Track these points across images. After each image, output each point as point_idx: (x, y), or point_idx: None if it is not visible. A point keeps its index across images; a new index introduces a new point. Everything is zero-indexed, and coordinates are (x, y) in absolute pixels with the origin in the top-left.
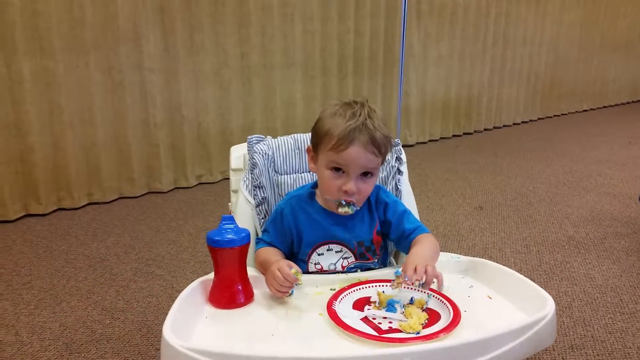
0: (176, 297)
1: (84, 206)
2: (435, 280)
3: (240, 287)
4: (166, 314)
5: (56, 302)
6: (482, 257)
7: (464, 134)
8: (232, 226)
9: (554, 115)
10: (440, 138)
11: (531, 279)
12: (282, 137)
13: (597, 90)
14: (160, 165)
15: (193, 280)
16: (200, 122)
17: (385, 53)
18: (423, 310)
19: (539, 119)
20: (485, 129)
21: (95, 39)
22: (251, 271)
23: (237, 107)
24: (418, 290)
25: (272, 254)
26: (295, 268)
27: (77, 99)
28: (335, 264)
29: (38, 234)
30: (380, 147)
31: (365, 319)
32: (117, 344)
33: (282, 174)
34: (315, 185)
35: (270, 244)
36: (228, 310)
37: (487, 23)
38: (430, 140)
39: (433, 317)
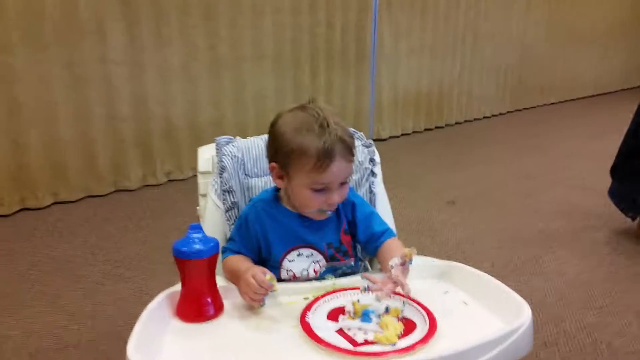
0: (147, 302)
1: (49, 206)
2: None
3: (209, 299)
4: (136, 319)
5: (20, 308)
6: (455, 252)
7: (436, 127)
8: (199, 235)
9: (523, 109)
10: (413, 132)
11: (504, 276)
12: (252, 138)
13: (565, 84)
14: (127, 161)
15: (164, 283)
16: (168, 116)
17: (357, 46)
18: (399, 319)
19: (508, 112)
20: (456, 123)
21: (56, 32)
22: (220, 281)
23: (207, 101)
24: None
25: (242, 262)
26: (269, 274)
27: (38, 94)
28: (307, 269)
29: (0, 237)
30: (353, 150)
31: (340, 331)
32: (85, 352)
33: (252, 177)
34: (277, 188)
35: (237, 253)
36: (197, 324)
37: (457, 15)
38: (402, 134)
39: (409, 326)
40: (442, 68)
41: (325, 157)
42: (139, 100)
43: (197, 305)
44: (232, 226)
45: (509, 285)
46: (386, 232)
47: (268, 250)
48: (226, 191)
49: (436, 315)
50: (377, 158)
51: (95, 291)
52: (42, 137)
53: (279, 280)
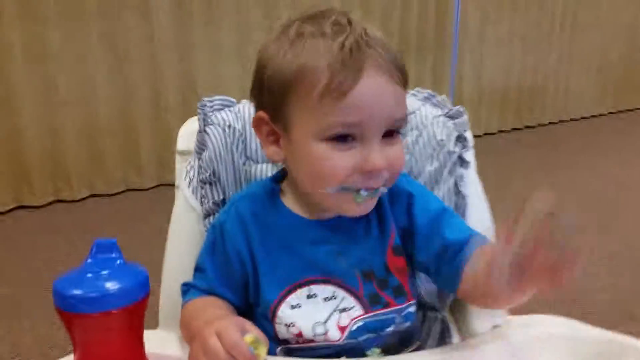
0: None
1: (84, 198)
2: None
3: None
4: None
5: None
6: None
7: (526, 127)
8: (110, 264)
9: (627, 110)
10: (498, 131)
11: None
12: None
13: None
14: (173, 155)
15: None
16: None
17: (436, 32)
18: None
19: (609, 113)
20: (550, 123)
21: (98, 5)
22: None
23: None
24: None
25: (208, 309)
26: (251, 333)
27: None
28: (325, 324)
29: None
30: (404, 72)
31: None
32: None
33: (259, 162)
34: (279, 177)
35: (207, 293)
36: None
37: (554, 2)
38: (485, 134)
39: None
40: (534, 60)
41: (346, 67)
42: (187, 85)
43: None
44: None
45: None
46: (474, 239)
47: (256, 286)
48: (206, 182)
49: None
50: (469, 136)
51: None
52: (79, 123)
53: (275, 342)
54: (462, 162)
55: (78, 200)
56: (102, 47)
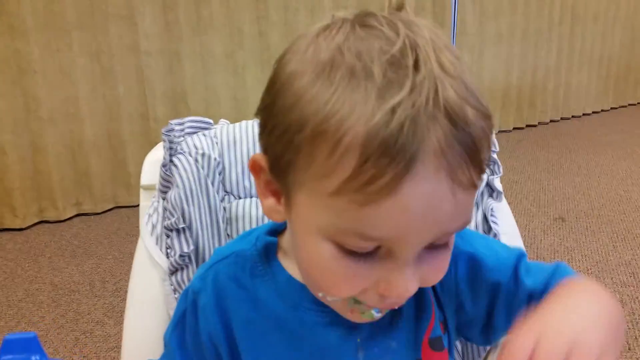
0: None
1: (70, 218)
2: None
3: None
4: None
5: None
6: None
7: (527, 125)
8: None
9: (629, 105)
10: (500, 131)
11: None
12: (246, 122)
13: None
14: None
15: None
16: (210, 115)
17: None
18: None
19: (611, 108)
20: (551, 120)
21: (79, 15)
22: None
23: (256, 97)
24: None
25: None
26: None
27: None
28: None
29: (7, 254)
30: (482, 155)
31: None
32: None
33: (240, 197)
34: (278, 227)
35: None
36: None
37: None
38: None
39: None
40: (535, 56)
41: (387, 154)
42: (176, 96)
43: None
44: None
45: None
46: (556, 273)
47: None
48: (172, 229)
49: None
50: (497, 160)
51: (90, 335)
52: (63, 140)
53: None
54: (492, 191)
55: (63, 221)
56: (86, 60)
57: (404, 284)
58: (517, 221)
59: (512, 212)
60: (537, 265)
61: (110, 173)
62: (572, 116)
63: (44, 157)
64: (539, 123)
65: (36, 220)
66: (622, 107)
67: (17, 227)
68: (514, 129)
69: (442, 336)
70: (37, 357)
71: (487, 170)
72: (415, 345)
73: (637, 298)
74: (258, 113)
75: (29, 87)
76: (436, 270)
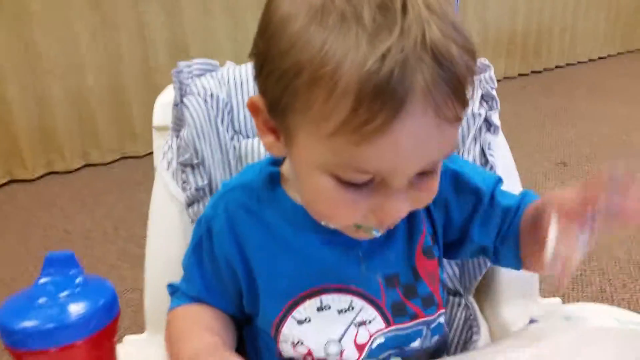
0: None
1: (78, 169)
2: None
3: None
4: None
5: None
6: None
7: (532, 72)
8: (65, 289)
9: (637, 50)
10: (504, 78)
11: None
12: (252, 64)
13: None
14: None
15: None
16: (212, 58)
17: None
18: None
19: (619, 53)
20: (557, 67)
21: None
22: None
23: None
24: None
25: (194, 331)
26: None
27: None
28: (340, 342)
29: (20, 203)
30: (466, 91)
31: None
32: None
33: (248, 136)
34: (279, 160)
35: (196, 300)
36: None
37: None
38: None
39: None
40: (541, 0)
41: (379, 97)
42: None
43: None
44: None
45: None
46: (525, 198)
47: (253, 297)
48: (187, 165)
49: None
50: (495, 95)
51: (108, 275)
52: (68, 91)
53: None
54: (489, 126)
55: (72, 171)
56: (87, 10)
57: (397, 208)
58: (519, 166)
59: (515, 157)
60: (509, 192)
61: (115, 124)
62: (578, 62)
63: (49, 109)
64: (544, 69)
65: (45, 172)
66: (630, 52)
67: (28, 178)
68: (519, 75)
69: (432, 247)
70: (75, 271)
71: (486, 105)
72: (409, 253)
73: (635, 238)
74: (252, 56)
75: (29, 38)
76: (427, 193)
